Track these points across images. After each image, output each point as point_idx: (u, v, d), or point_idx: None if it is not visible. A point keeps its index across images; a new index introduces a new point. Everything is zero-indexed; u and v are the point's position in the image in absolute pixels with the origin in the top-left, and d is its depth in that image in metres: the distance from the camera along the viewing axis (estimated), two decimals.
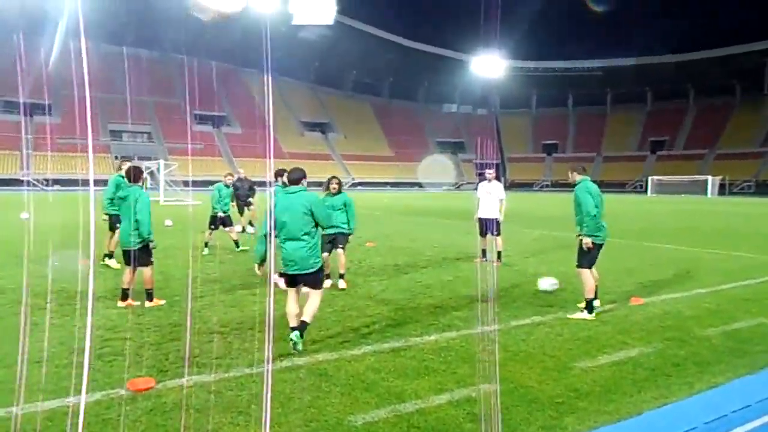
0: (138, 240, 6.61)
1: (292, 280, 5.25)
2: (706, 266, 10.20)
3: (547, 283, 7.65)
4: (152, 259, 6.81)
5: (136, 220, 6.57)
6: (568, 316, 6.43)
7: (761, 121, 71.80)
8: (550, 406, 3.96)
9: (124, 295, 6.71)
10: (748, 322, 6.25)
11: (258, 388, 4.15)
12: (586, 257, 6.51)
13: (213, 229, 11.84)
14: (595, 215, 6.40)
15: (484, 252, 10.50)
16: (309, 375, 4.51)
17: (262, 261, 8.50)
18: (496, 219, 10.25)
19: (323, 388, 4.25)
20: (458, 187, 77.81)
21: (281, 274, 5.31)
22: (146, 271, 6.72)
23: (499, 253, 10.31)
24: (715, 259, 11.22)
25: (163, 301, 6.89)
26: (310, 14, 63.01)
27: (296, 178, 5.27)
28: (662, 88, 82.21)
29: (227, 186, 12.28)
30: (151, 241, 6.73)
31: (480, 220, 10.40)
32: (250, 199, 15.25)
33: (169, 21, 65.69)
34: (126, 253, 6.71)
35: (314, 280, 5.25)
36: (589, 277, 6.47)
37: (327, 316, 6.33)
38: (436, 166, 74.98)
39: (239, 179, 14.99)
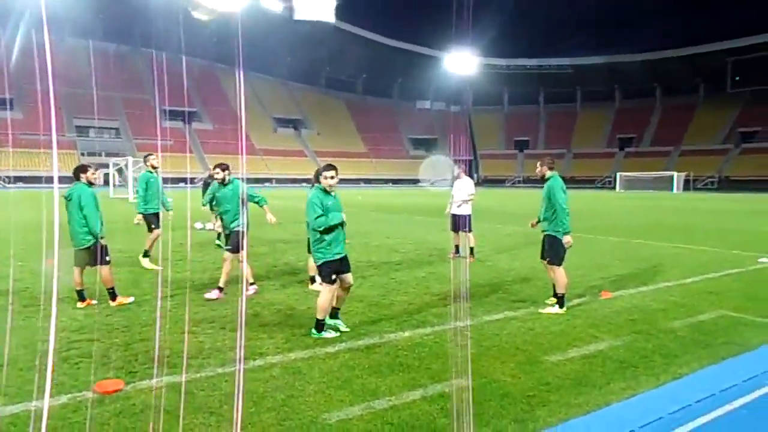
0: (89, 238, 6.43)
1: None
2: (671, 260, 10.48)
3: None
4: (108, 258, 6.57)
5: (84, 217, 6.38)
6: (539, 311, 6.53)
7: (724, 118, 74.18)
8: (522, 400, 4.02)
9: (81, 297, 6.51)
10: (711, 315, 6.44)
11: (230, 388, 4.10)
12: (560, 254, 6.56)
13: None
14: (568, 212, 6.49)
15: (457, 248, 10.57)
16: (282, 373, 4.47)
17: None
18: (466, 215, 10.34)
19: (297, 386, 4.22)
20: (432, 184, 78.23)
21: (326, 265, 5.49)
22: (104, 270, 6.53)
23: (471, 248, 10.39)
24: (680, 253, 11.53)
25: (131, 299, 6.74)
26: (312, 11, 62.41)
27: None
28: (630, 86, 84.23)
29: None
30: (102, 238, 6.50)
31: (452, 216, 10.48)
32: None
33: (137, 14, 64.24)
34: (77, 253, 6.51)
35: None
36: (562, 273, 6.56)
37: (300, 314, 6.29)
38: (437, 165, 75.28)
39: (210, 176, 14.70)
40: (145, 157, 9.85)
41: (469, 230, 10.31)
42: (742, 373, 4.57)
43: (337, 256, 5.48)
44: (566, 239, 6.49)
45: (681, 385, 4.36)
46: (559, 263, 6.57)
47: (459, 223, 10.34)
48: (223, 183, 7.48)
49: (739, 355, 5.04)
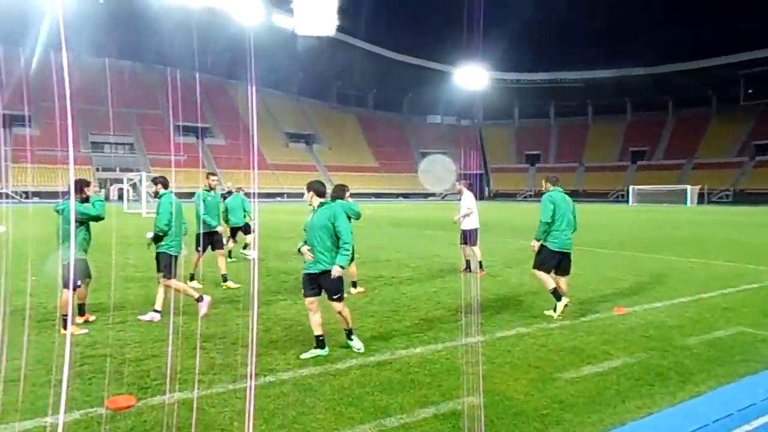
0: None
1: None
2: (686, 275, 10.34)
3: None
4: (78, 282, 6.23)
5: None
6: (545, 312, 6.97)
7: (738, 131, 73.52)
8: (536, 418, 3.97)
9: (81, 311, 6.43)
10: (727, 331, 6.33)
11: (241, 405, 4.09)
12: (537, 259, 7.10)
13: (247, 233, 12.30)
14: (547, 223, 6.92)
15: (468, 263, 10.48)
16: (293, 390, 4.46)
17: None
18: (472, 229, 10.32)
19: (307, 403, 4.20)
20: (443, 197, 78.16)
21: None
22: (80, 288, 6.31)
23: (480, 262, 10.35)
24: (695, 267, 11.38)
25: (84, 330, 6.17)
26: (313, 26, 63.16)
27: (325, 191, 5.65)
28: (641, 99, 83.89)
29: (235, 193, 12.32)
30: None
31: (460, 231, 10.47)
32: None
33: (152, 32, 65.43)
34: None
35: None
36: (541, 276, 7.01)
37: (310, 330, 6.27)
38: (437, 166, 75.36)
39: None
40: (208, 174, 9.46)
41: (473, 244, 10.29)
42: (761, 392, 4.47)
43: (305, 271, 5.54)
44: (532, 242, 7.17)
45: (698, 403, 4.28)
46: (534, 267, 7.15)
47: (464, 238, 10.34)
48: (156, 196, 7.17)
49: (758, 373, 4.94)
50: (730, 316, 7.08)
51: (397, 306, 7.58)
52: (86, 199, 6.53)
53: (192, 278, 9.01)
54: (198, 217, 8.86)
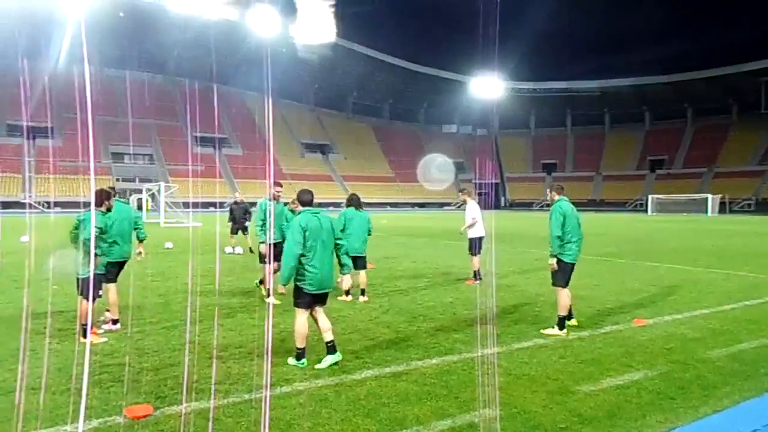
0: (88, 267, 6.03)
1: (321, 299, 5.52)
2: (708, 286, 10.15)
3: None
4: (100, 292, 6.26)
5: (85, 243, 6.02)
6: (542, 331, 6.63)
7: (759, 139, 72.24)
8: None
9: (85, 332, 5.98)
10: (752, 344, 6.19)
11: (257, 415, 4.09)
12: (556, 276, 6.77)
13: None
14: (559, 236, 6.66)
15: (476, 273, 10.42)
16: (309, 401, 4.45)
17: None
18: (477, 238, 10.33)
19: (323, 414, 4.19)
20: (459, 206, 77.89)
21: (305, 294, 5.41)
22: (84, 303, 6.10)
23: (475, 272, 10.39)
24: (717, 278, 11.16)
25: (103, 339, 6.21)
26: (311, 34, 63.63)
27: (310, 199, 5.57)
28: (660, 107, 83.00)
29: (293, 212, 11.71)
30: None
31: (470, 240, 10.44)
32: (246, 223, 15.51)
33: (172, 45, 66.64)
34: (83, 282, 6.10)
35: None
36: (562, 296, 6.65)
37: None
38: (436, 166, 75.23)
39: (235, 202, 15.84)
40: (275, 182, 9.09)
41: (476, 253, 10.31)
42: None
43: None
44: (549, 261, 6.78)
45: (722, 418, 4.17)
46: (556, 284, 6.76)
47: (474, 246, 10.34)
48: (108, 210, 6.71)
49: None
50: (754, 328, 6.92)
51: (413, 316, 7.55)
52: (109, 210, 6.57)
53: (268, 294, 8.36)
54: (263, 227, 8.50)
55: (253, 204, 15.06)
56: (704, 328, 6.93)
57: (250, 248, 15.25)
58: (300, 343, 5.35)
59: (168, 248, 16.52)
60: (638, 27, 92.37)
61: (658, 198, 62.66)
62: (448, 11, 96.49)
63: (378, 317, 7.47)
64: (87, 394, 4.42)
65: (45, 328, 6.49)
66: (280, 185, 9.04)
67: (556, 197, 6.98)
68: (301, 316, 5.39)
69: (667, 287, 10.01)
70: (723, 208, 58.98)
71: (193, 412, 4.18)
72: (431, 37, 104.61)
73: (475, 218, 10.34)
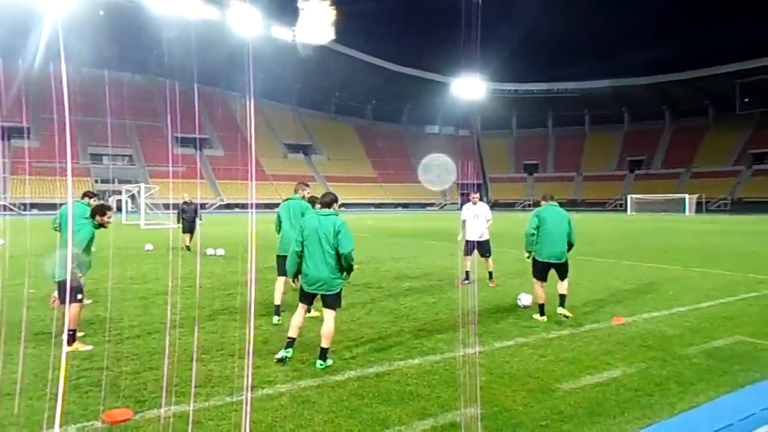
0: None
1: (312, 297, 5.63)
2: (685, 284, 10.34)
3: (527, 299, 8.18)
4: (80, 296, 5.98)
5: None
6: (533, 316, 7.35)
7: (735, 140, 73.87)
8: (535, 430, 3.95)
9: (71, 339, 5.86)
10: (727, 340, 6.32)
11: (239, 417, 4.06)
12: (532, 270, 7.68)
13: None
14: (531, 234, 7.55)
15: (467, 274, 10.47)
16: (291, 402, 4.43)
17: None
18: (486, 240, 10.34)
19: (305, 415, 4.18)
20: (442, 207, 78.22)
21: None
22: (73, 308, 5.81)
23: (490, 273, 10.35)
24: (694, 276, 11.38)
25: (89, 347, 5.92)
26: (312, 34, 63.19)
27: (329, 201, 5.67)
28: (638, 109, 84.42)
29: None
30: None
31: (468, 242, 10.42)
32: (196, 221, 16.68)
33: (152, 44, 65.82)
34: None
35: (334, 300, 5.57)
36: (535, 286, 7.52)
37: (309, 341, 6.26)
38: (437, 165, 75.32)
39: (185, 202, 16.92)
40: (302, 183, 8.47)
41: (489, 255, 10.41)
42: (761, 401, 4.46)
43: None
44: (524, 254, 7.81)
45: (698, 414, 4.26)
46: (533, 275, 7.66)
47: (477, 248, 10.33)
48: (102, 226, 6.52)
49: (758, 383, 4.93)
50: (729, 325, 7.07)
51: (396, 317, 7.56)
52: (102, 225, 6.28)
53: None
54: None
55: (204, 206, 15.11)
56: (681, 325, 7.06)
57: (188, 246, 16.56)
58: (290, 333, 5.55)
59: (148, 250, 16.33)
60: (618, 30, 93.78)
61: (637, 198, 63.67)
62: (430, 13, 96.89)
63: (361, 318, 7.47)
64: (64, 399, 4.34)
65: (20, 332, 6.37)
66: (307, 185, 8.11)
67: (543, 204, 7.79)
68: (299, 309, 5.64)
69: (646, 286, 10.18)
70: (700, 207, 60.16)
71: (174, 416, 4.13)
72: (414, 39, 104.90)
73: (490, 219, 10.47)
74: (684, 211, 57.41)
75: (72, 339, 5.86)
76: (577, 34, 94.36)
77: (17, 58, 58.38)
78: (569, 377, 5.05)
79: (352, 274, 5.73)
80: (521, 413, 4.23)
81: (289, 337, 5.52)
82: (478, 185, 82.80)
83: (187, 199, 17.20)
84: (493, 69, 74.45)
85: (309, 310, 5.68)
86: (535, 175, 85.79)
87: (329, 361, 5.39)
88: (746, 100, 75.71)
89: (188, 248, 16.65)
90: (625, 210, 63.49)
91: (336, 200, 5.67)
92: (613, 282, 10.57)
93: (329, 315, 5.45)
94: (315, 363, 5.34)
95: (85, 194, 7.72)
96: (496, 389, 4.73)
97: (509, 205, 77.22)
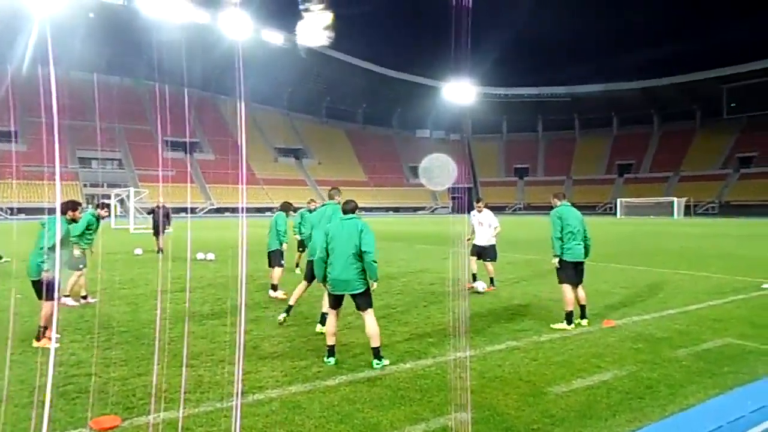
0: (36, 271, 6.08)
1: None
2: (674, 287, 10.41)
3: (481, 286, 8.98)
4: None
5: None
6: (552, 326, 7.09)
7: (722, 144, 74.71)
8: None
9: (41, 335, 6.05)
10: (716, 343, 6.36)
11: (229, 423, 4.02)
12: (559, 273, 7.34)
13: (301, 252, 12.07)
14: (559, 238, 7.25)
15: (474, 276, 10.39)
16: (281, 408, 4.40)
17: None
18: (493, 245, 10.39)
19: (296, 421, 4.15)
20: (433, 211, 78.37)
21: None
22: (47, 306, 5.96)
23: (491, 279, 10.35)
24: (683, 279, 11.46)
25: (53, 343, 5.95)
26: (313, 36, 63.02)
27: (351, 208, 5.89)
28: (627, 113, 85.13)
29: (311, 212, 10.84)
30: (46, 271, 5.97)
31: (475, 245, 10.44)
32: (167, 226, 17.06)
33: (141, 47, 65.46)
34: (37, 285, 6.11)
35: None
36: (564, 291, 7.21)
37: (300, 346, 6.23)
38: (436, 165, 75.40)
39: (157, 206, 17.23)
40: (334, 188, 8.24)
41: (494, 260, 10.42)
42: (750, 403, 4.49)
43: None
44: (553, 260, 7.39)
45: (688, 416, 4.28)
46: (560, 282, 7.34)
47: (485, 253, 10.32)
48: (74, 221, 7.11)
49: (746, 385, 4.96)
50: (718, 327, 7.12)
51: (387, 321, 7.54)
52: (74, 220, 6.68)
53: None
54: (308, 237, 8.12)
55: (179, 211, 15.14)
56: (671, 328, 7.10)
57: (160, 249, 16.64)
58: (327, 342, 5.67)
59: (138, 255, 16.20)
60: (607, 35, 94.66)
61: (626, 201, 64.17)
62: (421, 17, 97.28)
63: (351, 322, 7.44)
64: (51, 406, 4.28)
65: (7, 338, 6.28)
66: (338, 190, 7.70)
67: (558, 203, 7.56)
68: (329, 316, 5.75)
69: (636, 289, 10.24)
70: (688, 210, 60.72)
71: (163, 422, 4.09)
72: (405, 43, 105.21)
73: (498, 227, 10.48)
74: (673, 215, 57.93)
75: (42, 335, 6.05)
76: (567, 39, 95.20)
77: (5, 61, 57.81)
78: (560, 380, 5.06)
79: (377, 271, 5.77)
80: (513, 417, 4.23)
81: (328, 346, 5.67)
82: (469, 189, 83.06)
83: (160, 204, 17.43)
84: (483, 73, 74.97)
85: (338, 314, 5.77)
86: (526, 178, 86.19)
87: (385, 360, 5.51)
88: (733, 104, 76.69)
89: (159, 251, 16.57)
90: (615, 213, 63.95)
91: (357, 207, 5.94)
92: (603, 285, 10.62)
93: (367, 316, 5.63)
94: (372, 364, 5.45)
95: (69, 205, 7.18)
96: (488, 393, 4.73)
97: (500, 209, 77.41)
